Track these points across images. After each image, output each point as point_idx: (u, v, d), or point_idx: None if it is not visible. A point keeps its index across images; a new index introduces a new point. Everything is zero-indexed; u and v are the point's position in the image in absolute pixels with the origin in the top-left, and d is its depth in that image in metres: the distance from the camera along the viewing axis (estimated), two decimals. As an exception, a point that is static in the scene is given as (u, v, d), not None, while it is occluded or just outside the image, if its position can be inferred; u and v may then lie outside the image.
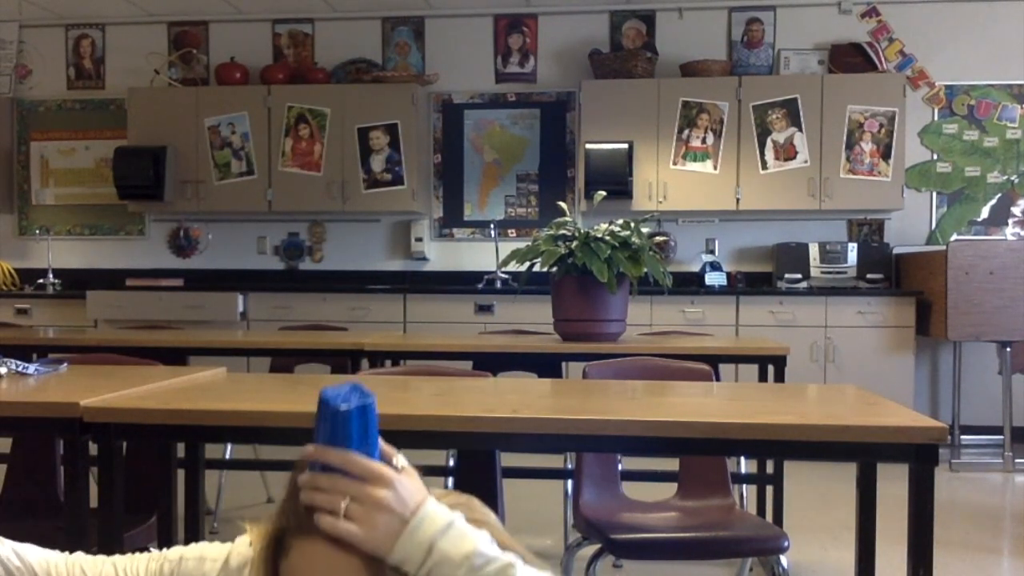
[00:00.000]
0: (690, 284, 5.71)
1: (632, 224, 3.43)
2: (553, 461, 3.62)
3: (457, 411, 1.83)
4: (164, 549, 1.12)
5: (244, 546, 1.05)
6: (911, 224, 5.93)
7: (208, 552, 1.08)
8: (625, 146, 5.65)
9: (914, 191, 5.90)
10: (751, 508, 3.44)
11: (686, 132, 5.75)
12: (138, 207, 6.28)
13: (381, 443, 0.90)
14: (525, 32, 6.20)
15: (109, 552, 1.19)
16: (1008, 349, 5.08)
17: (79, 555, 1.12)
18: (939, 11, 5.88)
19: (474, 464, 2.32)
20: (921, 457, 1.61)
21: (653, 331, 4.65)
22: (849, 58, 5.81)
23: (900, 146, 5.61)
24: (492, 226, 6.07)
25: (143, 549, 1.15)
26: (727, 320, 5.45)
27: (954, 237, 5.84)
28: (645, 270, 3.33)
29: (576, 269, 3.32)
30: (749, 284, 5.91)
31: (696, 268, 5.99)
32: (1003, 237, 5.83)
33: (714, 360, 3.01)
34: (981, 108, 5.87)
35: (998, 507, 4.43)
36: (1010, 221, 5.87)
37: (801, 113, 5.65)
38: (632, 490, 2.60)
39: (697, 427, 1.71)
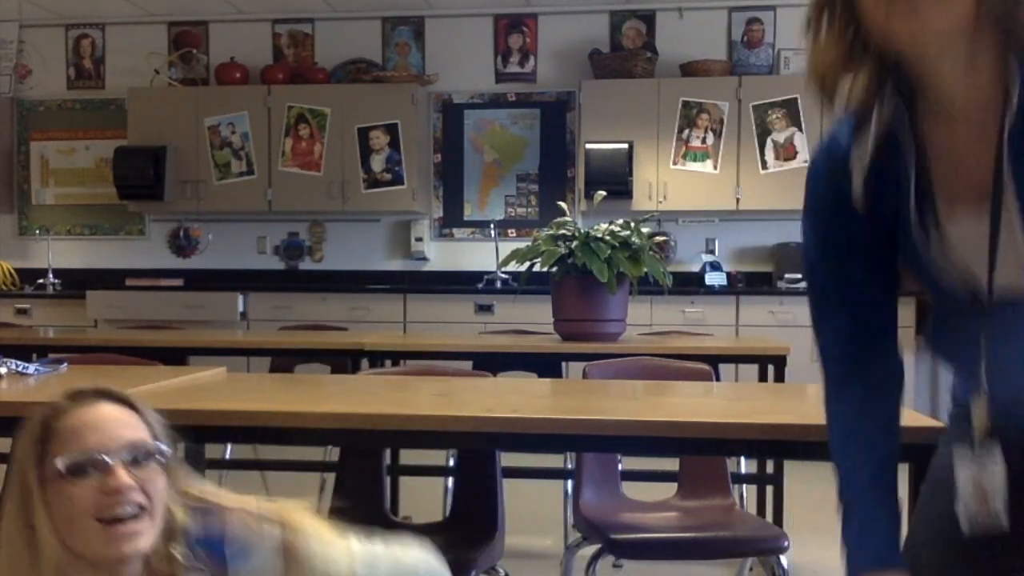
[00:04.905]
0: (690, 284, 5.70)
1: (632, 224, 3.43)
2: (553, 461, 3.63)
3: (457, 411, 1.83)
4: None
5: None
6: (911, 224, 5.91)
7: None
8: (625, 146, 5.65)
9: (914, 191, 5.89)
10: (751, 508, 3.44)
11: (686, 132, 5.74)
12: (138, 207, 6.27)
13: None
14: (525, 32, 6.20)
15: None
16: (1008, 349, 5.06)
17: None
18: (939, 11, 5.87)
19: (474, 464, 2.32)
20: (921, 457, 1.61)
21: (653, 331, 4.64)
22: (849, 58, 5.80)
23: (900, 146, 5.61)
24: (492, 226, 6.07)
25: None
26: (727, 320, 5.44)
27: (954, 237, 5.83)
28: (645, 270, 3.34)
29: (576, 269, 3.32)
30: (749, 284, 5.90)
31: (696, 268, 5.98)
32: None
33: (714, 360, 3.01)
34: (981, 108, 5.87)
35: (998, 507, 4.41)
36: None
37: (801, 113, 5.65)
38: (632, 490, 2.60)
39: (697, 427, 1.71)
